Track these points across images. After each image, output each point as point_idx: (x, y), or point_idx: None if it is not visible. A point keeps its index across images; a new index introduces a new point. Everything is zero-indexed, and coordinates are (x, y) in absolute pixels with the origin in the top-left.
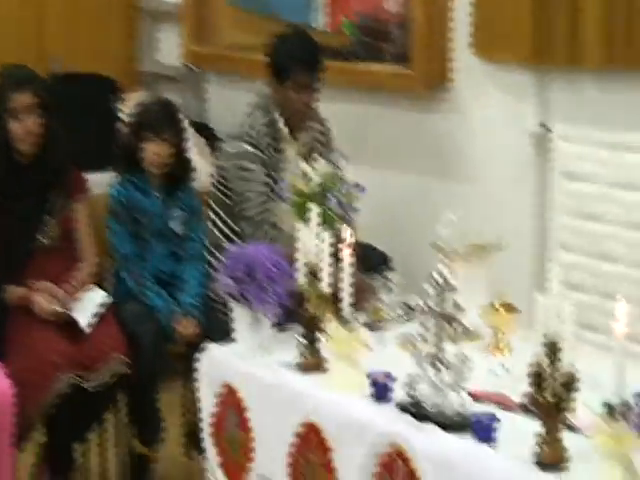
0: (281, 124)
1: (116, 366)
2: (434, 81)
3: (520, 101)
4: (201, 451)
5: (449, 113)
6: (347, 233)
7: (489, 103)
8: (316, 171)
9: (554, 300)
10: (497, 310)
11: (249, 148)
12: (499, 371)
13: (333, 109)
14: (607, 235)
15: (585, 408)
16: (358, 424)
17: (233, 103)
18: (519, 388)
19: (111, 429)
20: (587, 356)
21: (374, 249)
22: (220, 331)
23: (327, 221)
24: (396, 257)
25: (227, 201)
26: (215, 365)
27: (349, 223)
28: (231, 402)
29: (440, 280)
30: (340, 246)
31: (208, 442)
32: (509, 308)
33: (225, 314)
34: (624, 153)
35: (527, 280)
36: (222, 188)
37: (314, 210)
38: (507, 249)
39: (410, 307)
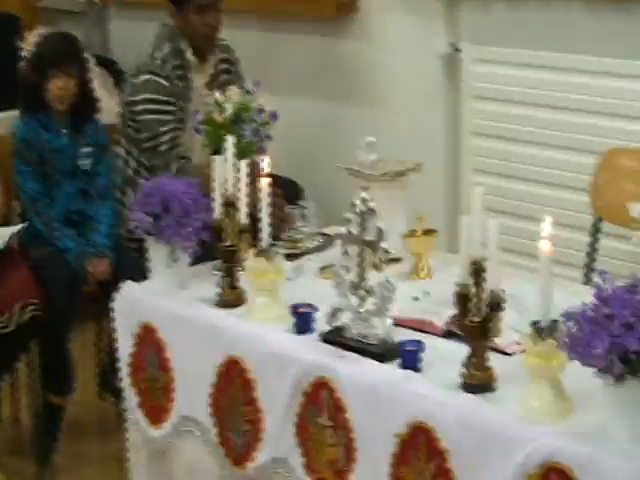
0: (187, 52)
1: (27, 311)
2: (342, 5)
3: (429, 23)
4: (115, 393)
5: (358, 37)
6: (264, 162)
7: (398, 26)
8: (229, 100)
9: (477, 221)
10: (416, 234)
11: (155, 79)
12: (422, 296)
13: (240, 36)
14: (520, 155)
15: (511, 329)
16: (281, 357)
17: (137, 36)
18: (442, 312)
19: (24, 378)
20: (510, 278)
21: (285, 179)
22: (134, 269)
23: (242, 151)
24: (309, 185)
25: (136, 135)
26: (132, 304)
27: (264, 152)
28: (149, 341)
29: (361, 206)
30: (257, 176)
31: (127, 383)
32: (428, 232)
33: (138, 251)
34: (535, 72)
35: (441, 203)
36: (130, 122)
37: (229, 140)
38: (421, 173)
39: (327, 236)
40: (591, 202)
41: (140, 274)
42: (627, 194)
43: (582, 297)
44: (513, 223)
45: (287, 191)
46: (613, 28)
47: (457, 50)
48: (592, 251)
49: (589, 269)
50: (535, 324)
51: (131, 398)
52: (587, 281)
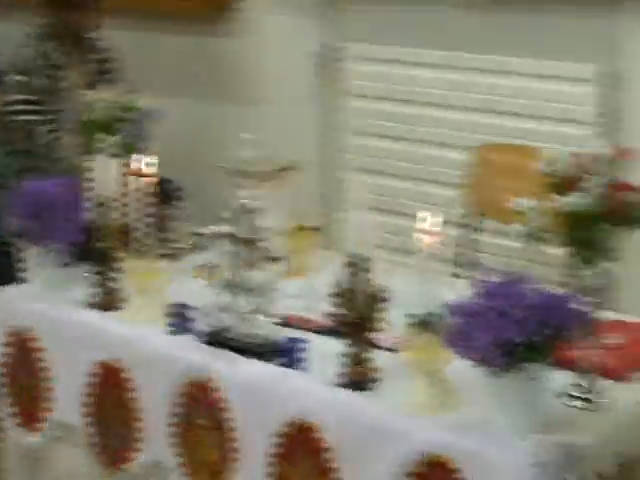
0: (59, 52)
1: None
2: (218, 3)
3: (307, 21)
4: None
5: (235, 35)
6: (143, 162)
7: (276, 24)
8: (106, 99)
9: (357, 219)
10: (297, 232)
11: (28, 80)
12: (303, 294)
13: (117, 37)
14: (396, 153)
15: (393, 325)
16: (159, 358)
17: (7, 36)
18: (324, 309)
19: None
20: (391, 274)
21: (164, 178)
22: (7, 273)
23: (120, 150)
24: (188, 185)
25: (10, 136)
26: (5, 309)
27: (143, 151)
28: (24, 346)
29: (241, 204)
30: (135, 176)
31: None
32: (309, 229)
33: (11, 255)
34: (411, 69)
35: (319, 201)
36: (4, 124)
37: (107, 140)
38: (300, 171)
39: (207, 236)
40: (466, 197)
41: (14, 278)
42: (501, 189)
43: (461, 291)
44: (390, 220)
45: (166, 191)
46: (487, 26)
47: (334, 48)
48: (468, 245)
49: (466, 263)
50: (415, 318)
51: (4, 405)
52: (463, 275)
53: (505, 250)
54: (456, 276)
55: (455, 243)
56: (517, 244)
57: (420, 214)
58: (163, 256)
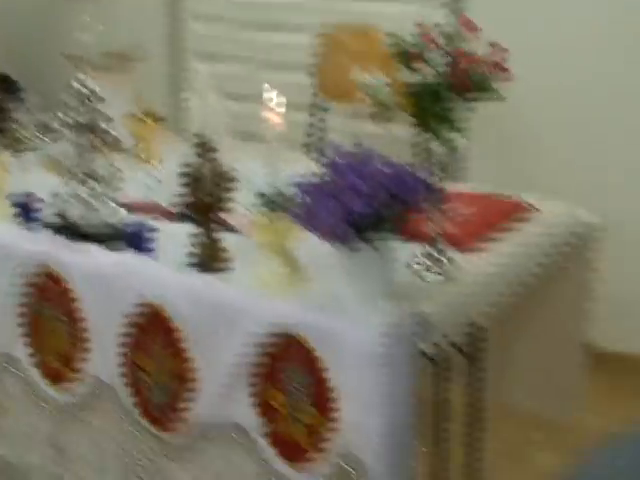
0: None
1: None
2: None
3: None
4: None
5: None
6: None
7: None
8: None
9: (203, 103)
10: (143, 120)
11: None
12: (150, 181)
13: None
14: (241, 38)
15: (243, 207)
16: (4, 250)
17: None
18: (173, 194)
19: None
20: (239, 158)
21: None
22: None
23: None
24: (29, 78)
25: None
26: None
27: None
28: None
29: (83, 90)
30: None
31: None
32: (155, 117)
33: None
34: None
35: (165, 88)
36: None
37: None
38: (144, 58)
39: (50, 125)
40: (313, 80)
41: None
42: (347, 70)
43: (309, 170)
44: (236, 105)
45: (4, 83)
46: None
47: None
48: (317, 128)
49: (315, 147)
50: (264, 198)
51: None
52: (312, 156)
53: (353, 130)
54: (304, 156)
55: (304, 126)
56: (364, 122)
57: (266, 94)
58: (6, 148)
